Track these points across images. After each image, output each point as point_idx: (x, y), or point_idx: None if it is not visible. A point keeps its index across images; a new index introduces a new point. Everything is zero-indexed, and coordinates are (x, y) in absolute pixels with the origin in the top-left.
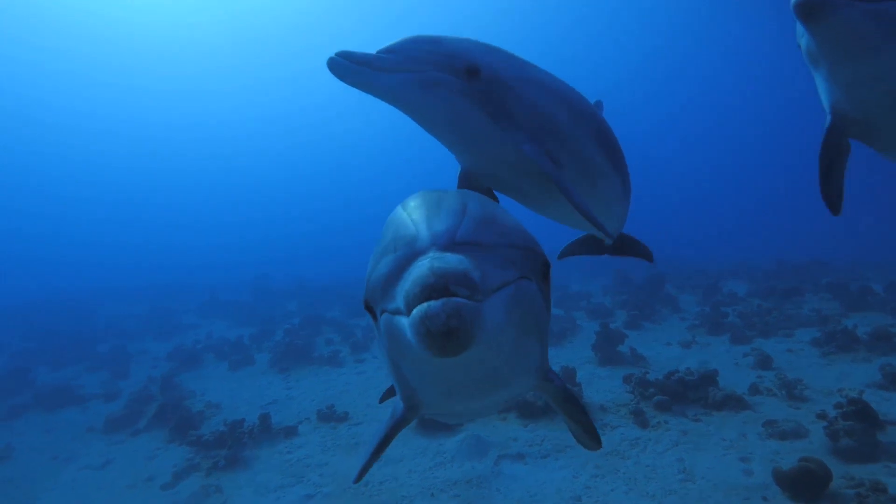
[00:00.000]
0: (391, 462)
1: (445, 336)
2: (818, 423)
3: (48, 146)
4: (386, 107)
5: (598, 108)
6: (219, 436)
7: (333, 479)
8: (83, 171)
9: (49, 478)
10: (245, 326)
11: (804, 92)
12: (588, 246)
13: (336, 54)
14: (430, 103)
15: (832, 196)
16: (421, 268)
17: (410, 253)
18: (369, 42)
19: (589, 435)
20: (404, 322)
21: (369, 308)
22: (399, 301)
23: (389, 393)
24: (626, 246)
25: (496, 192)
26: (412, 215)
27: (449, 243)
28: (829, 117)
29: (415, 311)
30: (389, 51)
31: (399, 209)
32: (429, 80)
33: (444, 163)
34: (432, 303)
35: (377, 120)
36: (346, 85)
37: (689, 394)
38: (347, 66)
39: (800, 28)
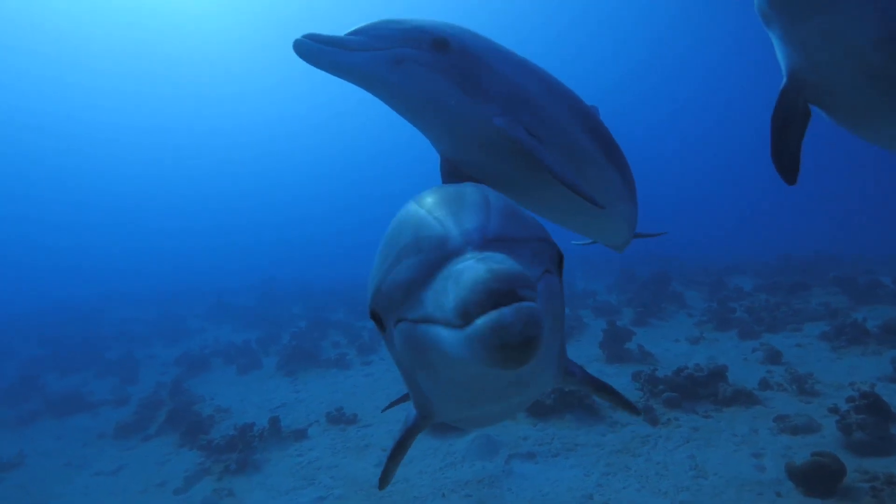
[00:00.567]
0: (402, 464)
1: (523, 346)
2: (830, 418)
3: (56, 154)
4: (388, 108)
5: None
6: (229, 440)
7: (344, 481)
8: (90, 177)
9: (62, 484)
10: (252, 330)
11: None
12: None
13: (303, 36)
14: (399, 80)
15: (784, 163)
16: (475, 270)
17: (441, 255)
18: None
19: (628, 410)
20: (443, 333)
21: (377, 317)
22: (438, 309)
23: (397, 401)
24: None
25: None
26: (434, 213)
27: (482, 241)
28: (784, 80)
29: (482, 322)
30: (357, 32)
31: (414, 206)
32: (397, 56)
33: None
34: (504, 310)
35: (380, 121)
36: (350, 86)
37: (698, 390)
38: (314, 48)
39: None
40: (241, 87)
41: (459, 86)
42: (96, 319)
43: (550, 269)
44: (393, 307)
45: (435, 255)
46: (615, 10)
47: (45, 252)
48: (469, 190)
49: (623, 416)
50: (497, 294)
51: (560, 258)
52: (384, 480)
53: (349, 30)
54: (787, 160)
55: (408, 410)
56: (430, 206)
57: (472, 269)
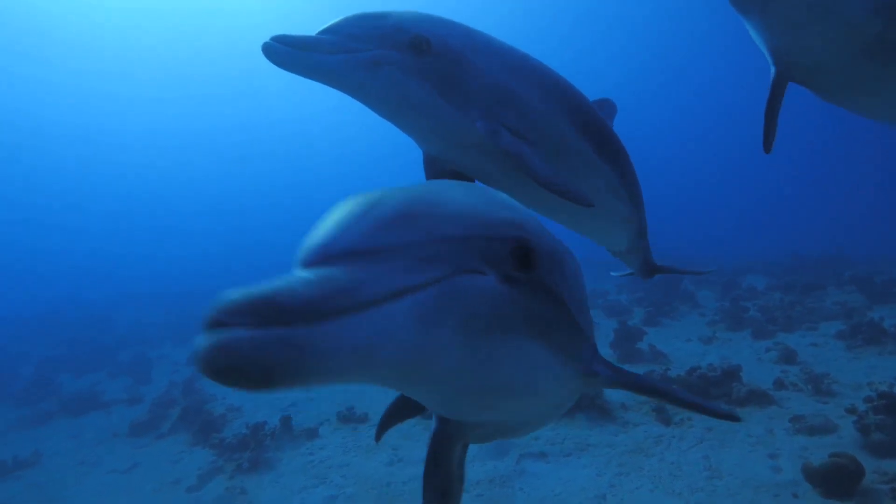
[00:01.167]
0: (413, 462)
1: (228, 371)
2: (847, 418)
3: (64, 158)
4: None
5: (608, 107)
6: (241, 438)
7: (356, 479)
8: (103, 180)
9: (77, 482)
10: None
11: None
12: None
13: (271, 39)
14: (376, 84)
15: (771, 139)
16: (241, 288)
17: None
18: None
19: (707, 412)
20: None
21: None
22: None
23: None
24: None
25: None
26: (323, 223)
27: (320, 257)
28: (772, 68)
29: (197, 339)
30: (329, 31)
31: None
32: (372, 58)
33: None
34: (215, 333)
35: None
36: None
37: (711, 390)
38: (283, 52)
39: None
40: (245, 87)
41: (439, 89)
42: (109, 320)
43: (478, 270)
44: None
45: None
46: (624, 9)
47: (58, 255)
48: (384, 193)
49: (635, 417)
50: (224, 312)
51: (520, 251)
52: (427, 499)
53: (323, 27)
54: (772, 136)
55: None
56: (331, 214)
57: (247, 286)
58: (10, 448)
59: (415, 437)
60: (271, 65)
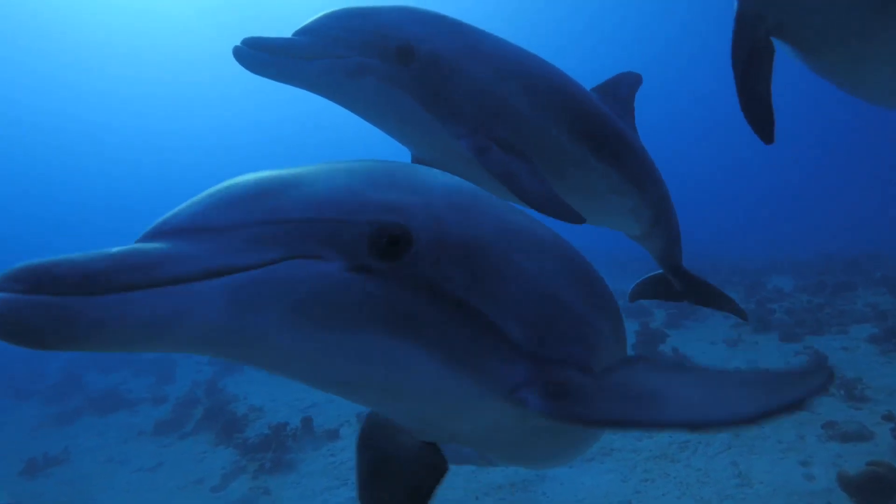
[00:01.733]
0: None
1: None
2: (884, 425)
3: (70, 158)
4: None
5: (628, 82)
6: (263, 438)
7: None
8: (112, 181)
9: (105, 479)
10: None
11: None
12: (657, 287)
13: (242, 42)
14: (356, 93)
15: (756, 112)
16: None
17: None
18: None
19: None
20: None
21: None
22: None
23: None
24: (707, 295)
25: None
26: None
27: (153, 234)
28: (735, 4)
29: None
30: (307, 31)
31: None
32: (353, 66)
33: None
34: None
35: None
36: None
37: None
38: (256, 57)
39: None
40: (247, 87)
41: (423, 102)
42: None
43: (315, 255)
44: None
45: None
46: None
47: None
48: (256, 174)
49: None
50: (4, 279)
51: (380, 240)
52: None
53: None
54: (758, 109)
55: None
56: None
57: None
58: (40, 445)
59: None
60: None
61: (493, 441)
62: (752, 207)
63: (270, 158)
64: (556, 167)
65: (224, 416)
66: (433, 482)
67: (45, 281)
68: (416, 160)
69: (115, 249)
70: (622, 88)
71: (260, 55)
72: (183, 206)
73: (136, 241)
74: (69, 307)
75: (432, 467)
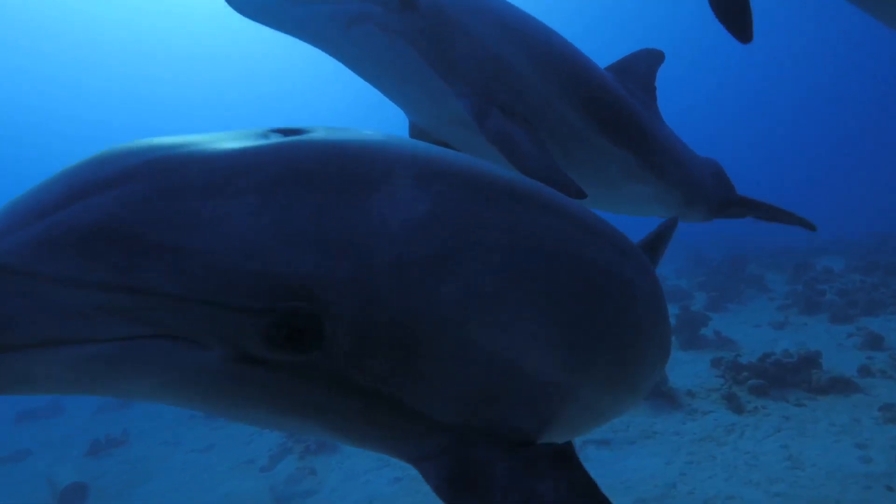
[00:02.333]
0: None
1: None
2: None
3: (70, 159)
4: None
5: (648, 60)
6: None
7: None
8: None
9: (161, 460)
10: None
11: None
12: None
13: None
14: (354, 42)
15: (727, 5)
16: None
17: None
18: None
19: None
20: None
21: None
22: None
23: None
24: (769, 212)
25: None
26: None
27: None
28: None
29: None
30: None
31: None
32: (352, 12)
33: None
34: None
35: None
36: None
37: (787, 377)
38: (250, 0)
39: None
40: (249, 87)
41: (425, 56)
42: None
43: (188, 338)
44: None
45: None
46: None
47: None
48: (113, 159)
49: (703, 405)
50: None
51: (284, 329)
52: None
53: None
54: (733, 6)
55: None
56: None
57: None
58: (102, 427)
59: None
60: (267, 60)
61: None
62: (796, 187)
63: None
64: (563, 144)
65: None
66: None
67: None
68: (413, 128)
69: None
70: (640, 65)
71: None
72: (3, 222)
73: None
74: None
75: None
